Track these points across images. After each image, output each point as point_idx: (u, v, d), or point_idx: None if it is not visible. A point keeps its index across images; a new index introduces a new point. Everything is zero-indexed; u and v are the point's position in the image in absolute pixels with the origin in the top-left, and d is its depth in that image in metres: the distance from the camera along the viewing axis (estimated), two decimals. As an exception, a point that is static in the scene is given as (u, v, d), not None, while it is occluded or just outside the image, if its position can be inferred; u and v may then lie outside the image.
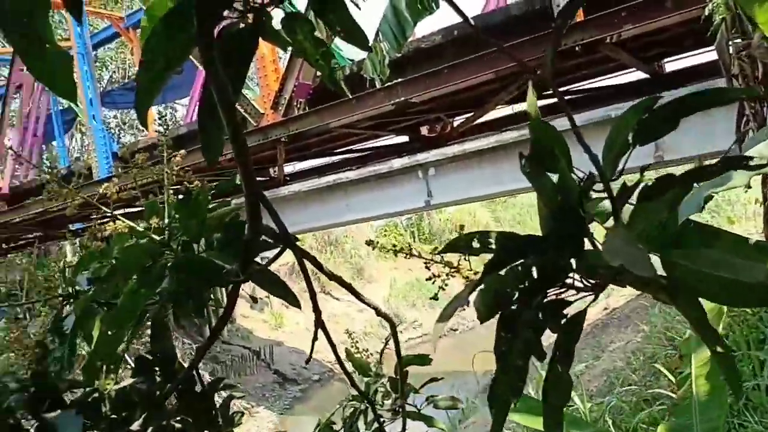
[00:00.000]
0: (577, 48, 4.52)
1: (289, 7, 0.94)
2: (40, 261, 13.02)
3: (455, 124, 7.47)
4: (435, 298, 0.98)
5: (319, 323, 1.17)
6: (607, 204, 0.71)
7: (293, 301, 1.23)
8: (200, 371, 1.41)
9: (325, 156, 9.11)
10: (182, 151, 1.21)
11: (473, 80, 5.07)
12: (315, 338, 1.16)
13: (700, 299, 0.68)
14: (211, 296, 1.39)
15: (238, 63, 0.92)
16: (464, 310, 0.70)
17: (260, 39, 0.95)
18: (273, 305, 21.46)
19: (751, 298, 0.66)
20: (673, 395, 5.29)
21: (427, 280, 0.98)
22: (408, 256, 1.03)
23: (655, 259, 0.67)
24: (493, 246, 0.69)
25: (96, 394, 1.30)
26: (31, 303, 1.46)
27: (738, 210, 14.32)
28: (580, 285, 0.70)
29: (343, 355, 1.57)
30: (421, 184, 12.59)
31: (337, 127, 6.31)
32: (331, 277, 1.26)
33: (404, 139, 8.22)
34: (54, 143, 17.27)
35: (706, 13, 3.57)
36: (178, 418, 1.40)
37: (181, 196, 1.23)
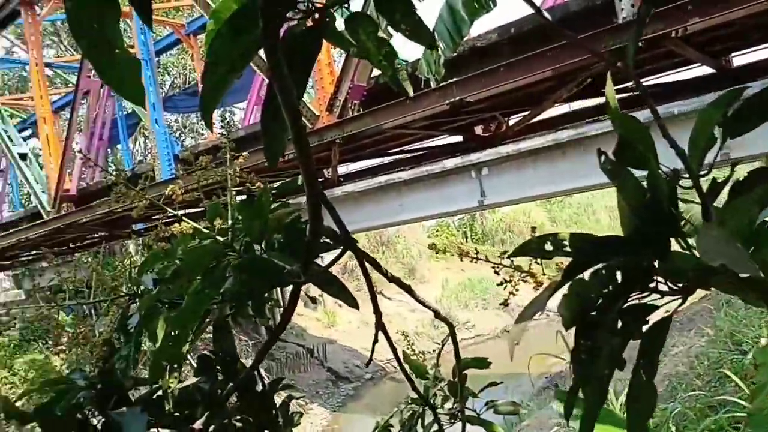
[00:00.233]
0: (640, 43, 4.37)
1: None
2: (105, 260, 13.57)
3: (510, 122, 7.35)
4: (505, 304, 0.95)
5: (380, 325, 1.16)
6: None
7: (352, 302, 1.22)
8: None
9: (378, 156, 9.13)
10: (245, 153, 1.22)
11: (530, 78, 4.97)
12: (375, 340, 1.15)
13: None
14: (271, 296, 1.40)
15: (302, 65, 0.92)
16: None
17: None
18: (326, 304, 21.71)
19: None
20: (742, 402, 5.04)
21: (498, 285, 0.94)
22: (475, 260, 1.00)
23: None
24: (568, 249, 0.66)
25: (160, 392, 1.32)
26: (98, 302, 1.50)
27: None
28: (665, 288, 0.65)
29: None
30: (474, 184, 12.48)
31: (391, 128, 6.30)
32: (391, 279, 1.25)
33: (457, 138, 8.15)
34: (118, 147, 17.99)
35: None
36: (239, 417, 1.41)
37: (242, 197, 1.24)
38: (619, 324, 0.66)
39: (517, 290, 0.91)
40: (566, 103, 7.68)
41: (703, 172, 0.68)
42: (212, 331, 1.35)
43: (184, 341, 1.17)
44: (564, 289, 0.65)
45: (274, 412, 1.45)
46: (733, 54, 6.62)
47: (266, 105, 0.92)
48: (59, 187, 10.17)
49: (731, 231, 0.61)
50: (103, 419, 1.24)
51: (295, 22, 0.93)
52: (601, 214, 30.48)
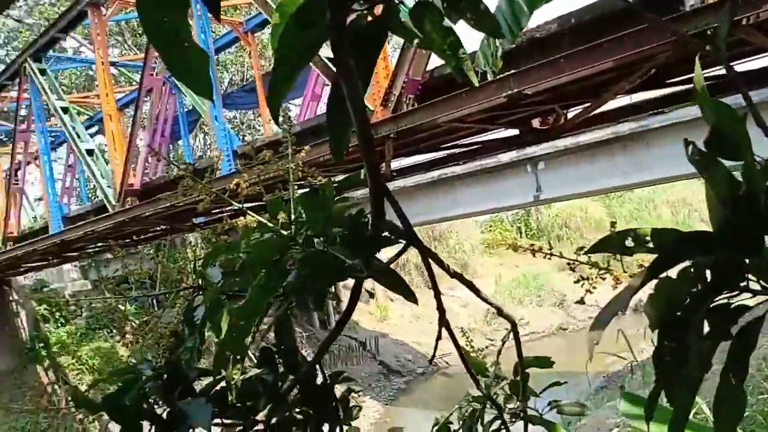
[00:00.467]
0: (708, 31, 4.17)
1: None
2: (169, 253, 14.04)
3: (569, 115, 7.15)
4: (581, 302, 0.91)
5: (443, 322, 1.14)
6: None
7: (411, 298, 1.21)
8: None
9: (432, 151, 9.07)
10: (306, 147, 1.23)
11: (591, 69, 4.81)
12: (438, 337, 1.13)
13: None
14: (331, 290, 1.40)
15: (366, 58, 0.90)
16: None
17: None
18: (379, 298, 21.82)
19: None
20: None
21: (575, 282, 0.91)
22: (548, 257, 0.97)
23: None
24: (650, 245, 0.62)
25: (223, 383, 1.35)
26: (163, 294, 1.54)
27: None
28: (757, 287, 0.61)
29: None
30: (530, 179, 12.25)
31: (446, 122, 6.23)
32: (453, 274, 1.23)
33: (513, 132, 7.99)
34: (179, 143, 18.52)
35: None
36: (300, 409, 1.42)
37: (304, 191, 1.24)
38: (706, 324, 0.62)
39: (594, 288, 0.87)
40: (627, 95, 7.42)
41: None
42: (273, 324, 1.37)
43: (248, 333, 1.18)
44: (649, 288, 0.61)
45: (334, 404, 1.45)
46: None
47: (331, 98, 0.91)
48: (124, 181, 10.55)
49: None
50: (168, 409, 1.26)
51: (359, 14, 0.92)
52: (662, 209, 29.39)
